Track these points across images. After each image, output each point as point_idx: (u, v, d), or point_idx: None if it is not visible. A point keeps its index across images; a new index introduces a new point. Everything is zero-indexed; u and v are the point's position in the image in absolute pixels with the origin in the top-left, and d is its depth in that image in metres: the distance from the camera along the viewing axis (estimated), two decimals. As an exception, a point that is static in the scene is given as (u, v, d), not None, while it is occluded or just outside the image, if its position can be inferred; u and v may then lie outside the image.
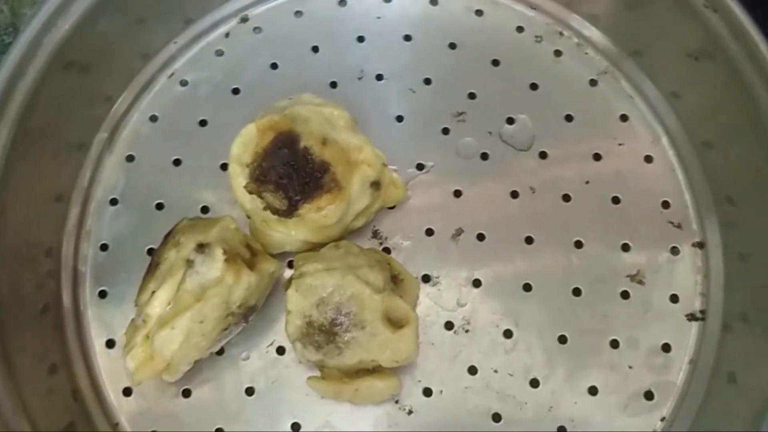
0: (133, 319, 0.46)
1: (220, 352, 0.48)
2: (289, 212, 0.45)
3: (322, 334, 0.44)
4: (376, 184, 0.47)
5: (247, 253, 0.46)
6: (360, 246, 0.48)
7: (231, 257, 0.44)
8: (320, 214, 0.45)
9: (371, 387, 0.45)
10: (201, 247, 0.44)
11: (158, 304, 0.43)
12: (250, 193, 0.46)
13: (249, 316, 0.46)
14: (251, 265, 0.45)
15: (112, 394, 0.49)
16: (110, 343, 0.49)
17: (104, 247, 0.51)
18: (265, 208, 0.46)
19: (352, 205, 0.47)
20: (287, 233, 0.47)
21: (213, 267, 0.44)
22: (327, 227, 0.47)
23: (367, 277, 0.44)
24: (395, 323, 0.45)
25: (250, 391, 0.48)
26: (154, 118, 0.53)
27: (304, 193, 0.45)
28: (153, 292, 0.44)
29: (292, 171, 0.45)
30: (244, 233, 0.47)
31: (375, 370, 0.45)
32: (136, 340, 0.44)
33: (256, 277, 0.45)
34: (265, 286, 0.47)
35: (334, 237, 0.48)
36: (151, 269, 0.46)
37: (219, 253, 0.44)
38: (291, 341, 0.45)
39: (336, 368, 0.45)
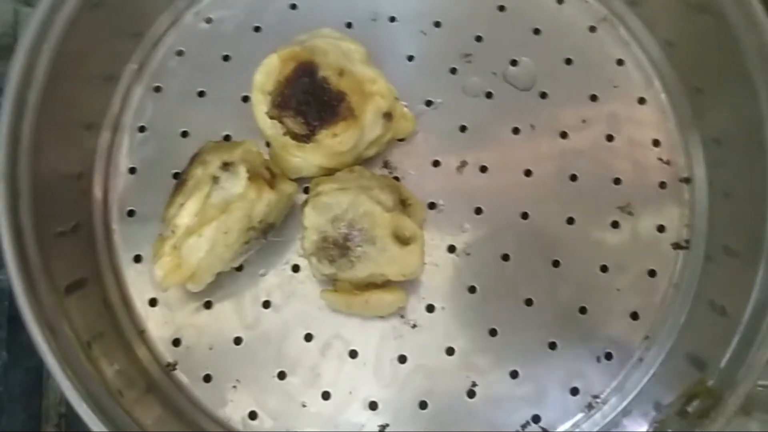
0: (160, 234, 0.50)
1: (240, 268, 0.52)
2: (307, 137, 0.49)
3: (335, 248, 0.48)
4: (388, 115, 0.50)
5: (268, 174, 0.49)
6: (372, 172, 0.51)
7: (254, 176, 0.47)
8: (336, 141, 0.49)
9: (380, 299, 0.49)
10: (226, 165, 0.47)
11: (186, 214, 0.47)
12: (272, 118, 0.49)
13: (267, 233, 0.50)
14: (271, 185, 0.49)
15: (139, 303, 0.52)
16: (138, 258, 0.53)
17: (132, 171, 0.54)
18: (285, 134, 0.49)
19: (365, 133, 0.50)
20: (305, 158, 0.50)
21: (237, 183, 0.47)
22: (341, 154, 0.50)
23: (378, 197, 0.48)
24: (403, 240, 0.48)
25: (266, 305, 0.52)
26: (180, 53, 0.56)
27: (321, 119, 0.48)
28: (181, 205, 0.47)
29: (311, 98, 0.48)
30: (264, 157, 0.51)
31: (383, 285, 0.49)
32: (164, 250, 0.47)
33: (276, 195, 0.48)
34: (284, 205, 0.50)
35: (347, 164, 0.51)
36: (179, 186, 0.49)
37: (243, 171, 0.47)
38: (306, 256, 0.49)
39: (348, 281, 0.49)
